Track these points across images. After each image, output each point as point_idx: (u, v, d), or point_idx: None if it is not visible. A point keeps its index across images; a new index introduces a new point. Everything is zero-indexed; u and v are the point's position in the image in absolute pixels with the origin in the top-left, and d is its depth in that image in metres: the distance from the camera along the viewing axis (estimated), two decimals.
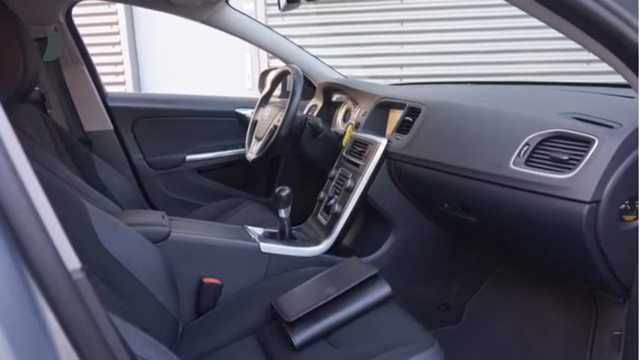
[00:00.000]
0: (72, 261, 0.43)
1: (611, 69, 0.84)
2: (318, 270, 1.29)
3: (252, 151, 1.91)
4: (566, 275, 1.22)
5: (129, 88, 4.34)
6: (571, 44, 0.88)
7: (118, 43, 4.30)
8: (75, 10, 1.99)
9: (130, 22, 4.31)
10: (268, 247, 1.42)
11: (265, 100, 2.05)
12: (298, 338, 1.05)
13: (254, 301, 1.26)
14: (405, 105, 1.54)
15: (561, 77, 3.70)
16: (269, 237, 1.50)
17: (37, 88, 1.93)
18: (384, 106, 1.70)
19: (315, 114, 2.14)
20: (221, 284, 1.33)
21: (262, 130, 1.87)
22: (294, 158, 2.02)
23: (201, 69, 4.23)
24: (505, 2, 0.85)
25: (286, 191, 1.46)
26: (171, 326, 1.13)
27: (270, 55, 3.04)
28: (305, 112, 2.20)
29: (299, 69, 1.78)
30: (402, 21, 4.07)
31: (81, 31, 2.02)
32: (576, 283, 1.24)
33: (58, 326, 0.42)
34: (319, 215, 1.65)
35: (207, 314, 1.30)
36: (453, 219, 1.35)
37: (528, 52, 3.85)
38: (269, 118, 1.86)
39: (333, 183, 1.65)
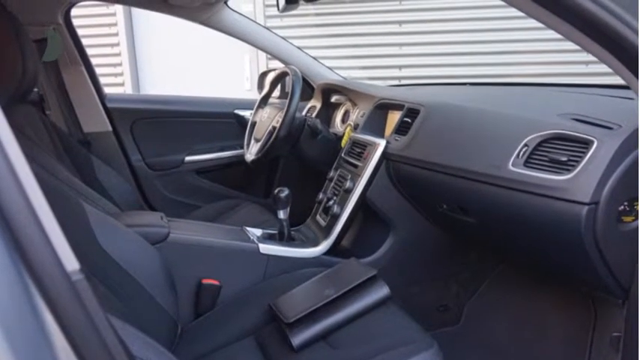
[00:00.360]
0: (71, 262, 0.43)
1: (609, 70, 0.84)
2: (317, 271, 1.29)
3: (251, 152, 1.91)
4: (565, 276, 1.22)
5: (127, 89, 4.34)
6: (570, 45, 0.88)
7: (117, 44, 4.30)
8: (74, 11, 1.98)
9: (129, 23, 4.31)
10: (267, 248, 1.42)
11: (264, 101, 2.05)
12: (297, 339, 1.05)
13: (253, 302, 1.26)
14: (403, 106, 1.54)
15: (560, 78, 3.70)
16: (268, 238, 1.50)
17: (35, 89, 1.93)
18: (382, 108, 1.70)
19: (313, 115, 2.14)
20: (220, 285, 1.32)
21: (261, 131, 1.87)
22: (293, 159, 2.02)
23: (200, 70, 4.23)
24: (504, 3, 0.85)
25: (285, 192, 1.46)
26: (170, 327, 1.13)
27: (269, 56, 3.04)
28: (304, 113, 2.20)
29: (298, 70, 1.78)
30: (400, 22, 4.07)
31: (80, 32, 2.02)
32: (575, 285, 1.24)
33: (56, 327, 0.42)
34: (318, 216, 1.65)
35: (206, 315, 1.29)
36: (451, 220, 1.35)
37: (527, 54, 3.86)
38: (268, 119, 1.86)
39: (332, 184, 1.65)
